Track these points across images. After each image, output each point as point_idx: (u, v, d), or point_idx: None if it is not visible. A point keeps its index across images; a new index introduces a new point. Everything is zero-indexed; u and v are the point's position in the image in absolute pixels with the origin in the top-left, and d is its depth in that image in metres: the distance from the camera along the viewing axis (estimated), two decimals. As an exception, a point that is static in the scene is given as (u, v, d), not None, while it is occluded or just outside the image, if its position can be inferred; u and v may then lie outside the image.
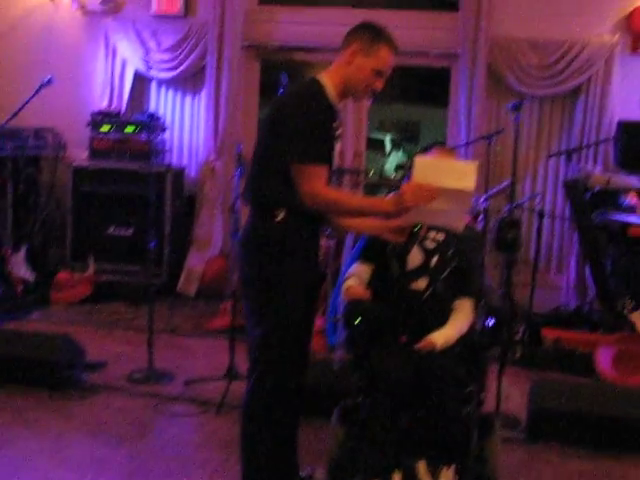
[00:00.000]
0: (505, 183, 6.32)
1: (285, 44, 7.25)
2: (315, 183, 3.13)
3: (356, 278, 3.46)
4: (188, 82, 7.34)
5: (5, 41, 7.40)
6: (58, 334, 4.85)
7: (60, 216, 7.07)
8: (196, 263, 7.01)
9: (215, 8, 7.01)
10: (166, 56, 7.20)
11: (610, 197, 5.54)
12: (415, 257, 3.51)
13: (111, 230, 6.91)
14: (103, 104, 7.23)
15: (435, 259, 3.51)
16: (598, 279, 5.62)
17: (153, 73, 7.25)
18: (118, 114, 7.01)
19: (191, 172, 7.32)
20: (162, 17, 7.23)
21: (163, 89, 7.39)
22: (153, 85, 7.40)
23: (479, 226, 6.21)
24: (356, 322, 3.31)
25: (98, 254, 6.82)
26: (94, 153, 6.90)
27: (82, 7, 7.28)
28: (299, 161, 3.12)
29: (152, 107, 7.34)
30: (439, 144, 3.87)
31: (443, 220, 3.39)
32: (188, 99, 7.37)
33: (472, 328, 3.49)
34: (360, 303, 3.30)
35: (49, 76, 5.66)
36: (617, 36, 6.65)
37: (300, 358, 3.29)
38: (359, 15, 6.87)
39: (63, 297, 6.58)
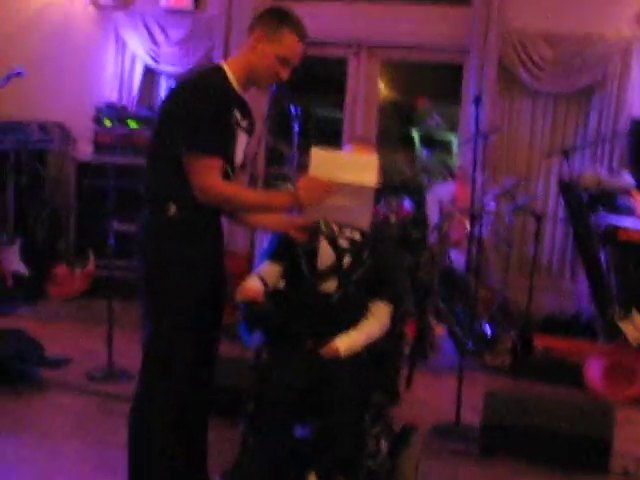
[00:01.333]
0: (509, 182, 6.07)
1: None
2: (207, 176, 2.97)
3: (257, 278, 3.27)
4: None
5: (22, 36, 7.43)
6: (12, 328, 4.79)
7: (64, 211, 7.06)
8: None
9: (223, 2, 6.90)
10: (175, 50, 7.12)
11: (607, 198, 5.21)
12: (326, 257, 3.32)
13: (114, 225, 6.84)
14: (113, 98, 7.19)
15: (347, 259, 3.31)
16: (592, 284, 5.30)
17: (162, 67, 7.19)
18: (123, 108, 6.96)
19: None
20: (171, 11, 7.16)
21: (169, 83, 7.31)
22: (163, 79, 7.32)
23: (484, 229, 5.96)
24: (250, 324, 3.15)
25: (101, 249, 6.76)
26: (98, 148, 6.87)
27: (94, 2, 7.26)
28: (190, 152, 2.96)
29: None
30: (358, 138, 3.67)
31: (345, 217, 3.18)
32: (197, 94, 7.27)
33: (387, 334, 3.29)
34: (252, 304, 3.12)
35: (19, 69, 5.61)
36: (635, 29, 6.28)
37: (192, 363, 3.11)
38: (373, 9, 6.72)
39: (60, 292, 6.57)
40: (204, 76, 3.11)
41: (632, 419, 4.68)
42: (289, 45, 3.08)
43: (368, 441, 3.11)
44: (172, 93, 3.11)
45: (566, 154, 5.43)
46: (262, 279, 3.27)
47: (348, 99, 7.19)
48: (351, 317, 3.23)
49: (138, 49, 7.17)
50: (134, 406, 3.11)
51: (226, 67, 3.11)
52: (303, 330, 3.23)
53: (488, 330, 5.69)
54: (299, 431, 3.13)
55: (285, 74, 3.13)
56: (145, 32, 7.14)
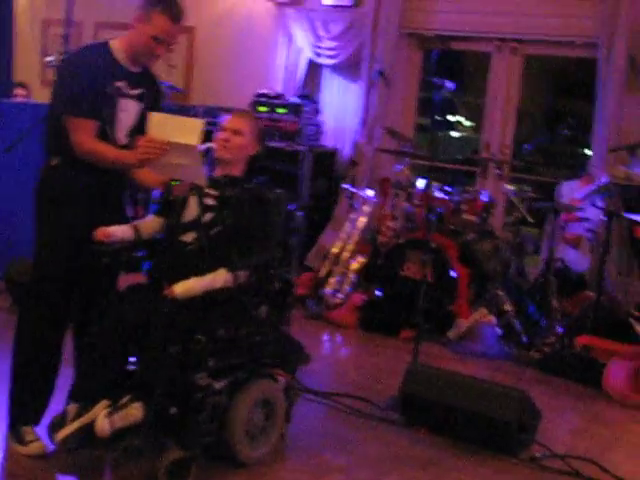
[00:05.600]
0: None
1: (443, 32, 7.28)
2: (77, 135, 3.52)
3: (128, 226, 3.73)
4: (351, 69, 7.67)
5: (212, 32, 8.36)
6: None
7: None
8: (328, 241, 7.33)
9: (376, -1, 7.29)
10: (333, 44, 7.62)
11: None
12: (191, 211, 3.70)
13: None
14: (278, 88, 7.86)
15: (209, 215, 3.67)
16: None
17: (321, 60, 7.72)
18: (277, 96, 7.60)
19: (345, 154, 7.66)
20: (334, 7, 7.66)
21: (331, 75, 7.81)
22: (324, 71, 7.85)
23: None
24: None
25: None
26: (252, 132, 7.56)
27: (273, -1, 8.00)
28: (65, 114, 3.53)
29: (322, 92, 7.81)
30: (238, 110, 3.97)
31: (183, 174, 3.57)
32: (351, 85, 7.71)
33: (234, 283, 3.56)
34: (98, 244, 3.58)
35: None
36: None
37: (63, 295, 3.65)
38: (521, 3, 6.74)
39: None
40: (84, 50, 3.68)
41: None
42: (160, 25, 3.52)
43: (197, 379, 3.46)
44: (61, 63, 3.69)
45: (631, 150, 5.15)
46: (135, 228, 3.73)
47: (489, 98, 7.21)
48: (203, 267, 3.57)
49: (303, 43, 7.76)
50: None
51: (112, 43, 3.63)
52: (161, 274, 3.65)
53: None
54: (131, 362, 3.58)
55: (161, 51, 3.59)
56: (309, 27, 7.70)
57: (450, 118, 12.73)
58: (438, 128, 12.14)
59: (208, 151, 3.70)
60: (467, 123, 11.62)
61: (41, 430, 3.60)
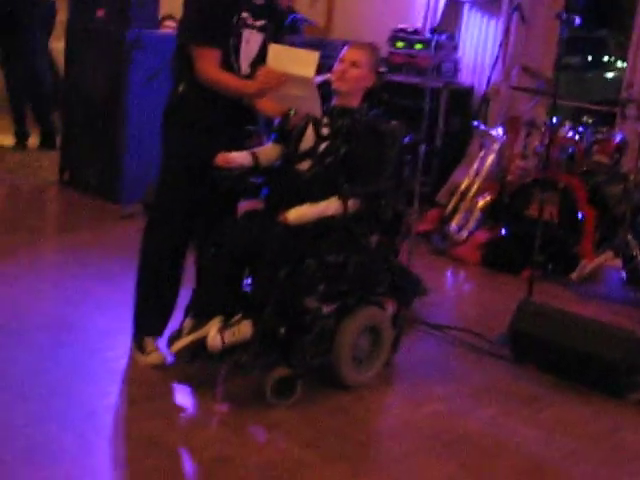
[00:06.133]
0: None
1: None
2: (203, 63, 3.69)
3: (247, 153, 3.87)
4: (492, 4, 7.54)
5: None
6: None
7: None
8: (460, 178, 7.32)
9: None
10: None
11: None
12: (307, 141, 3.82)
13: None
14: (418, 24, 7.83)
15: (324, 145, 3.79)
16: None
17: (462, -4, 7.63)
18: (414, 32, 7.57)
19: (481, 92, 7.57)
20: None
21: (470, 10, 7.70)
22: (465, 7, 7.75)
23: None
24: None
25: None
26: (389, 67, 7.58)
27: None
28: (190, 42, 3.71)
29: (461, 28, 7.73)
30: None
31: (299, 104, 3.69)
32: (491, 21, 7.59)
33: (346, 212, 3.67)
34: (219, 169, 3.74)
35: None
36: None
37: (185, 219, 3.85)
38: None
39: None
40: None
41: None
42: None
43: (306, 302, 3.62)
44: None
45: None
46: (254, 155, 3.88)
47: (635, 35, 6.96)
48: (316, 195, 3.70)
49: (445, -23, 7.69)
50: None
51: None
52: (277, 200, 3.81)
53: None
54: (245, 283, 3.77)
55: None
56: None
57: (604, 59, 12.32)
58: (587, 68, 11.82)
59: (325, 82, 3.78)
60: (620, 64, 11.25)
61: (161, 342, 3.84)
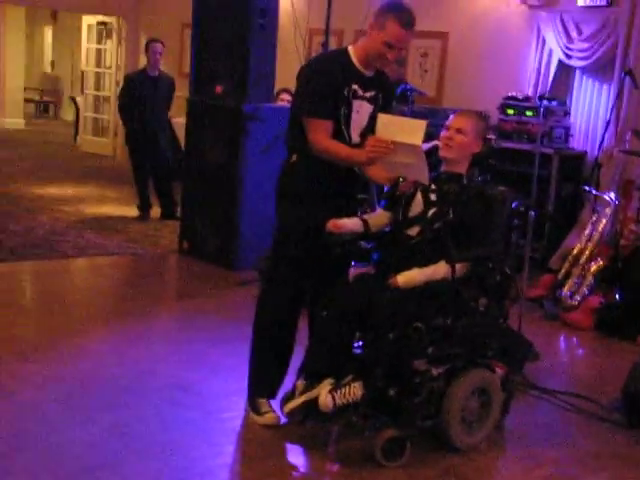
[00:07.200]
0: None
1: None
2: (316, 134, 3.86)
3: (357, 219, 4.01)
4: (603, 70, 7.56)
5: (465, 37, 8.56)
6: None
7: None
8: (572, 244, 7.27)
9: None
10: (585, 45, 7.56)
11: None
12: (417, 207, 3.93)
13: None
14: (528, 91, 7.90)
15: (432, 210, 3.89)
16: None
17: (572, 62, 7.68)
18: (525, 99, 7.64)
19: (593, 157, 7.56)
20: (587, 7, 7.60)
21: (582, 76, 7.74)
22: (577, 73, 7.79)
23: None
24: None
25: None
26: (500, 134, 7.66)
27: (525, 2, 8.03)
28: (304, 114, 3.90)
29: (573, 94, 7.76)
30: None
31: (408, 172, 3.79)
32: (602, 87, 7.60)
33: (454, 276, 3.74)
34: (330, 234, 3.88)
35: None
36: None
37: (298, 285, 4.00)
38: None
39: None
40: (325, 56, 4.03)
41: None
42: (393, 32, 3.77)
43: (416, 364, 3.70)
44: (303, 68, 4.04)
45: None
46: (364, 220, 4.00)
47: None
48: (425, 259, 3.80)
49: (554, 44, 7.76)
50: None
51: (351, 49, 3.94)
52: (387, 265, 3.92)
53: None
54: (356, 345, 3.87)
55: (392, 56, 3.83)
56: (561, 28, 7.69)
57: None
58: None
59: (433, 150, 3.90)
60: None
61: (275, 403, 3.96)
